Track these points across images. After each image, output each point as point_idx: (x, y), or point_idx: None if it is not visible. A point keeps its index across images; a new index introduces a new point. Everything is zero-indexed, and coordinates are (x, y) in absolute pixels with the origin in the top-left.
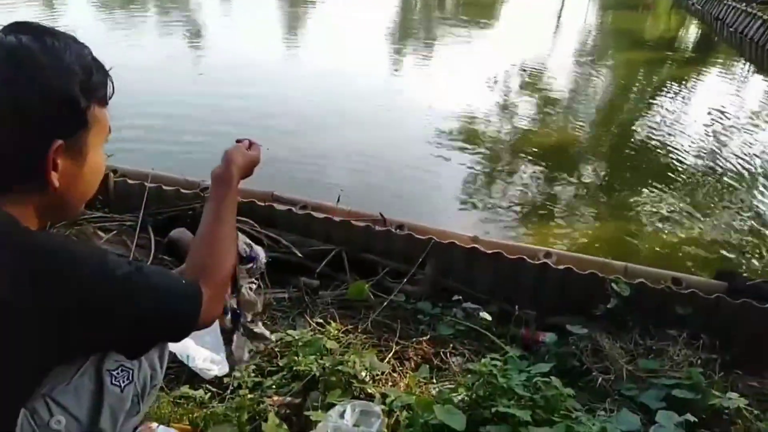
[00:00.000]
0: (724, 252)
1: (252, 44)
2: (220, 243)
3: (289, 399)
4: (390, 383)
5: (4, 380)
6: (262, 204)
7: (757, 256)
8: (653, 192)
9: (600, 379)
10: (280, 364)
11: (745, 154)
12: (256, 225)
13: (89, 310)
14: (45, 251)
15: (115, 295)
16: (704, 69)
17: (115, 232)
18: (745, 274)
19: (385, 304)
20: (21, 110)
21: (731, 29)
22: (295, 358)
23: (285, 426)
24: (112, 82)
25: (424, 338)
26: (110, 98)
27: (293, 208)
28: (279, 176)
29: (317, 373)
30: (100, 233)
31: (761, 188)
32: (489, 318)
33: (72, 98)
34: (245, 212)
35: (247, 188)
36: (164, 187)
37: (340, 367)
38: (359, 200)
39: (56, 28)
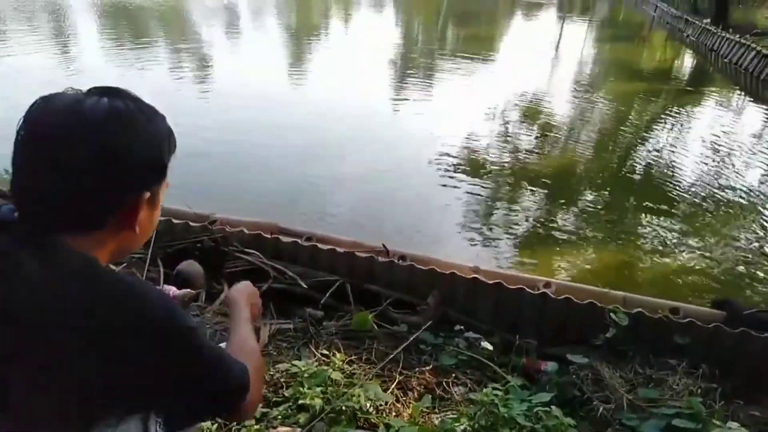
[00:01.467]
0: (721, 280)
1: (256, 76)
2: (245, 346)
3: (294, 429)
4: (393, 413)
5: (60, 408)
6: (269, 236)
7: (754, 284)
8: (651, 220)
9: (601, 408)
10: (286, 395)
11: (742, 183)
12: (262, 256)
13: (153, 355)
14: (127, 290)
15: (183, 347)
16: (701, 99)
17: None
18: (742, 303)
19: (405, 345)
20: (122, 167)
21: (726, 60)
22: (301, 389)
23: None
24: None
25: (427, 368)
26: None
27: (299, 240)
28: (282, 206)
29: (322, 405)
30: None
31: (758, 217)
32: (490, 348)
33: (162, 157)
34: (252, 244)
35: (255, 221)
36: (174, 221)
37: (344, 398)
38: (362, 230)
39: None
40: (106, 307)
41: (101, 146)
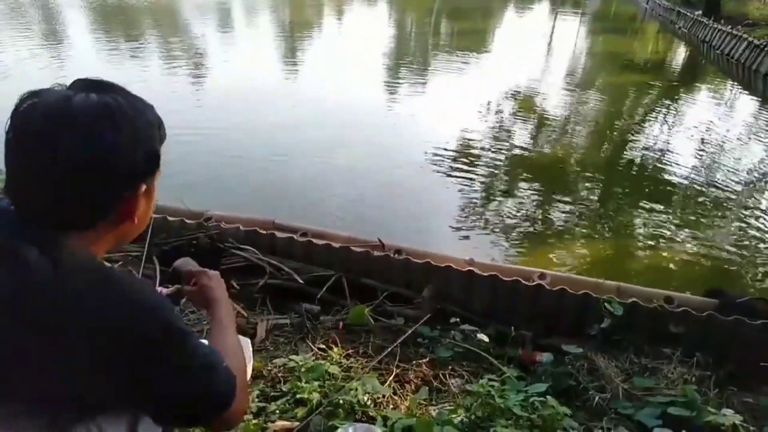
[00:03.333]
0: (714, 269)
1: (250, 74)
2: (231, 350)
3: (292, 424)
4: (391, 406)
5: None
6: (264, 232)
7: (747, 273)
8: (645, 211)
9: (596, 397)
10: (284, 389)
11: (734, 173)
12: (258, 252)
13: (141, 349)
14: (121, 288)
15: (170, 343)
16: (693, 90)
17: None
18: (735, 291)
19: (403, 338)
20: (117, 164)
21: (718, 51)
22: (298, 383)
23: None
24: None
25: (424, 360)
26: None
27: (294, 236)
28: (279, 203)
29: (320, 398)
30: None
31: (750, 206)
32: (486, 339)
33: (155, 149)
34: (248, 241)
35: (250, 217)
36: (169, 218)
37: (342, 392)
38: (358, 225)
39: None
40: (107, 305)
41: (95, 145)
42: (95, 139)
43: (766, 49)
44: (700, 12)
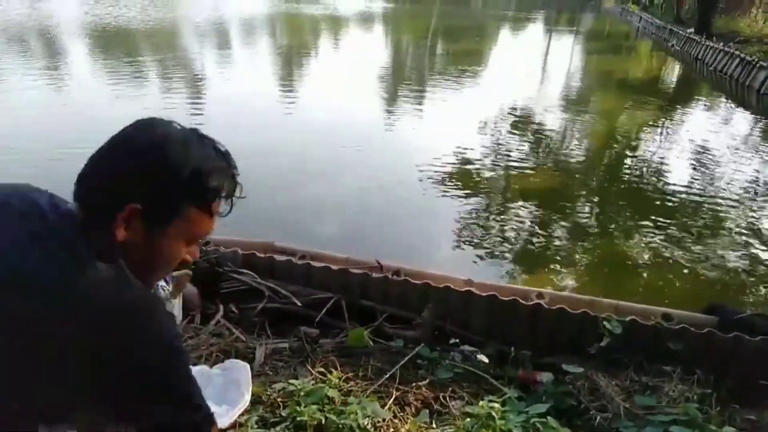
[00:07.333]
0: (712, 285)
1: (247, 97)
2: None
3: None
4: (391, 429)
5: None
6: (263, 255)
7: (745, 288)
8: (642, 228)
9: (598, 417)
10: (283, 415)
11: (730, 188)
12: (256, 276)
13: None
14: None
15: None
16: (687, 106)
17: None
18: (734, 307)
19: (403, 362)
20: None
21: (711, 68)
22: (298, 408)
23: None
24: None
25: (424, 383)
26: None
27: (292, 258)
28: (277, 225)
29: (320, 423)
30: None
31: (747, 221)
32: (486, 360)
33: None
34: (247, 264)
35: (249, 240)
36: None
37: (342, 416)
38: (356, 246)
39: None
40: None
41: (189, 159)
42: (189, 154)
43: (758, 65)
44: (692, 30)
